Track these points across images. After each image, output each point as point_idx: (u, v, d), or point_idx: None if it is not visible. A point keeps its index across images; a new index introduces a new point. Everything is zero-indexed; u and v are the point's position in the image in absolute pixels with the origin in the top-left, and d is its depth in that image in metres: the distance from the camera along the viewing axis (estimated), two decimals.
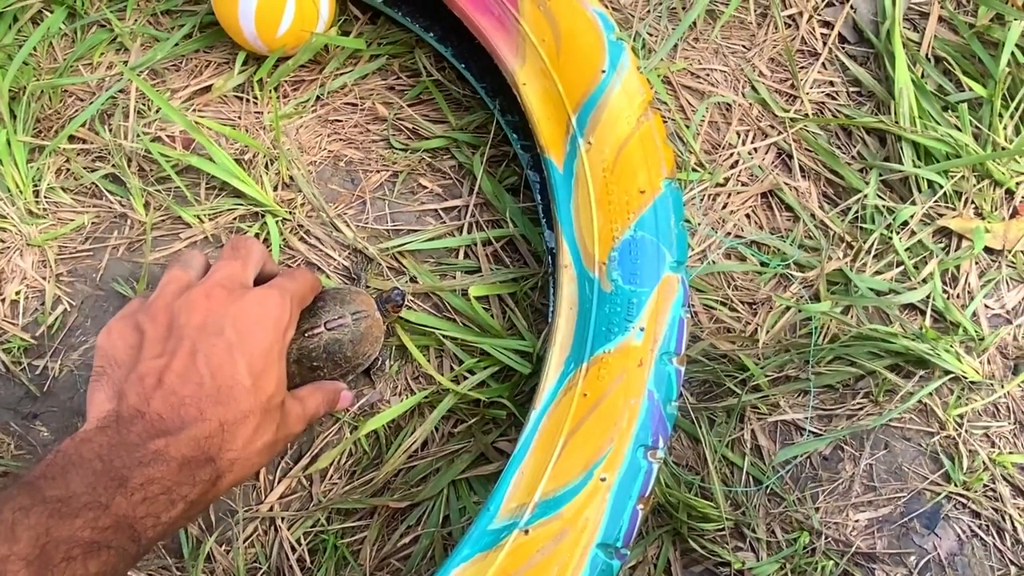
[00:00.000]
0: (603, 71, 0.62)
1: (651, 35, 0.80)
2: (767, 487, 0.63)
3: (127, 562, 0.40)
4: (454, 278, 0.70)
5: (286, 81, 0.76)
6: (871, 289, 0.69)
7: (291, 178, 0.72)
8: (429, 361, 0.67)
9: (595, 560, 0.50)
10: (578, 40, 0.63)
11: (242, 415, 0.46)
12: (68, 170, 0.73)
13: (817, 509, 0.63)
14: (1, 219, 0.70)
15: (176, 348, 0.46)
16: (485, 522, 0.52)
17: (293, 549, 0.63)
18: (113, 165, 0.72)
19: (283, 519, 0.64)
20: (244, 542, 0.63)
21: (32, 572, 0.35)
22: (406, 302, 0.65)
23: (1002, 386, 0.66)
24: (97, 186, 0.72)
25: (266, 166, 0.72)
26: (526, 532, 0.51)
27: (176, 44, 0.77)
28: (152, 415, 0.43)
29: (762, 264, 0.71)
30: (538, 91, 0.64)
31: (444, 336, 0.67)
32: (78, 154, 0.73)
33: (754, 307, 0.70)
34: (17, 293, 0.69)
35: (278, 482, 0.65)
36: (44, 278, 0.70)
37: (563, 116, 0.63)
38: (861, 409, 0.66)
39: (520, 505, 0.52)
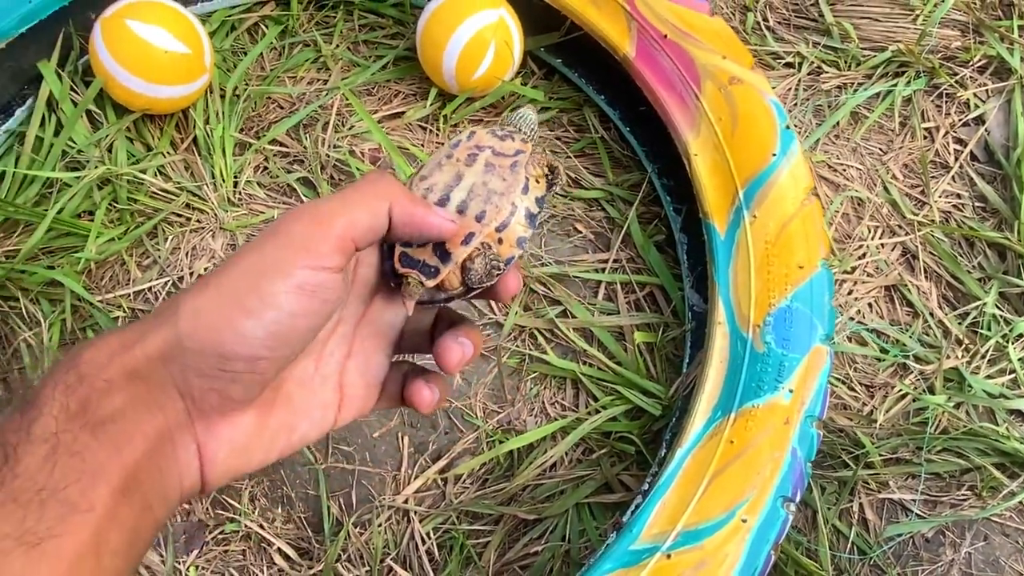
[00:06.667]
0: (773, 154, 0.69)
1: (797, 127, 0.87)
2: (871, 559, 0.67)
3: None
4: (592, 316, 0.76)
5: (467, 118, 0.84)
6: (984, 391, 0.74)
7: None
8: (565, 392, 0.73)
9: None
10: (754, 124, 0.70)
11: None
12: (266, 168, 0.81)
13: None
14: (202, 201, 0.78)
15: None
16: (627, 542, 0.57)
17: (423, 541, 0.69)
18: (308, 170, 0.80)
19: (416, 512, 0.69)
20: (379, 527, 0.69)
21: None
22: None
23: None
24: (290, 186, 0.80)
25: None
26: (668, 556, 0.56)
27: (374, 72, 0.85)
28: None
29: (882, 351, 0.76)
30: (708, 163, 0.71)
31: (583, 374, 0.73)
32: (275, 155, 0.82)
33: (871, 389, 0.75)
34: (205, 270, 0.77)
35: (415, 478, 0.71)
36: None
37: (731, 188, 0.69)
38: (965, 500, 0.70)
39: (662, 532, 0.57)
